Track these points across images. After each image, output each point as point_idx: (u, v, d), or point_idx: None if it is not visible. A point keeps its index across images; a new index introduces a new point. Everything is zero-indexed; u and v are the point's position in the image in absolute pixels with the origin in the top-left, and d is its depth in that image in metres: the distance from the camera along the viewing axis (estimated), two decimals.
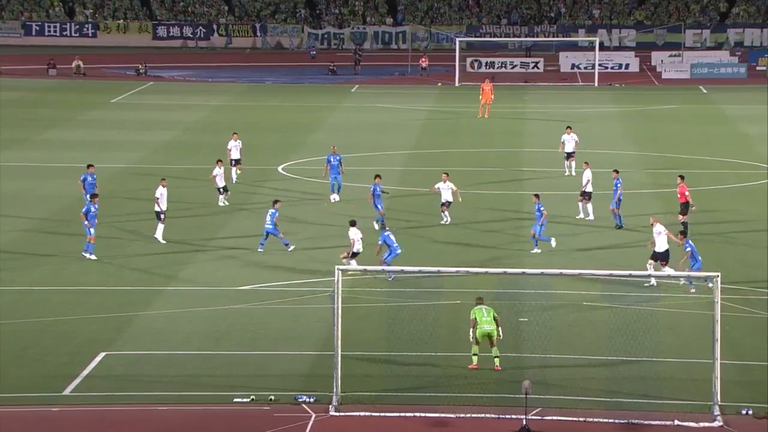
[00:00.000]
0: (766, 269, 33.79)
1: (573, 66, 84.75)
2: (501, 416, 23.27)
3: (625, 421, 23.12)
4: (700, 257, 30.75)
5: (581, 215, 39.78)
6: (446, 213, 38.89)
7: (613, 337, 28.18)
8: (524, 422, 22.78)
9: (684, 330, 28.26)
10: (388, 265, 31.18)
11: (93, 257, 34.10)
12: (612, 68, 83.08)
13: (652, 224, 32.21)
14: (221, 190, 41.27)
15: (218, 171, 41.33)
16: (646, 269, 31.11)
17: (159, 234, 36.13)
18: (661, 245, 31.55)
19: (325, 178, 43.55)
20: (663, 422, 22.94)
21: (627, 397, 24.30)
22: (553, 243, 35.27)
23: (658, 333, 28.24)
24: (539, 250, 34.86)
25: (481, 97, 64.41)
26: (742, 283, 31.67)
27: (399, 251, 32.20)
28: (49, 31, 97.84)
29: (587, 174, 40.02)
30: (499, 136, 58.22)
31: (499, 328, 25.90)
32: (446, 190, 38.85)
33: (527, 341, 27.99)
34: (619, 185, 38.90)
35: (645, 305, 30.00)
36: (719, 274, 23.99)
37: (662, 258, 31.37)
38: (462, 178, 47.34)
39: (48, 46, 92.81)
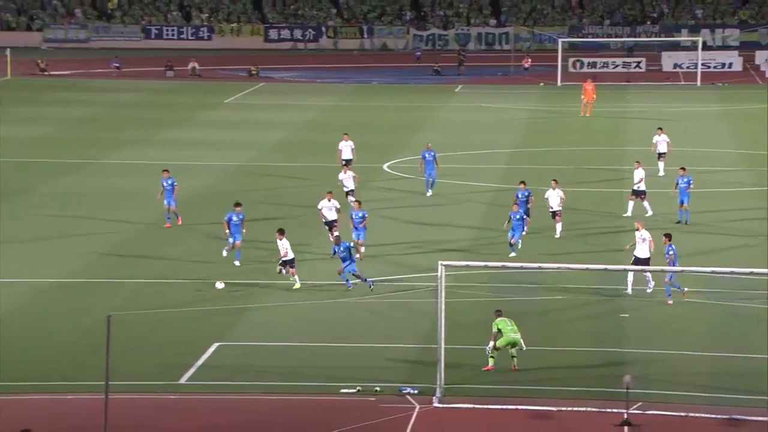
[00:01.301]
0: None
1: (675, 65, 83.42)
2: (602, 410, 23.02)
3: (727, 416, 22.69)
4: (677, 263, 29.38)
5: (628, 213, 39.00)
6: (559, 225, 36.60)
7: (714, 333, 27.71)
8: (625, 416, 22.50)
9: None
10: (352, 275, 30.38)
11: (237, 263, 33.05)
12: (715, 67, 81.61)
13: (637, 229, 30.89)
14: (350, 193, 39.41)
15: (343, 175, 40.25)
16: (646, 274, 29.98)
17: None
18: (643, 251, 30.34)
19: (420, 174, 43.61)
20: (766, 418, 22.44)
21: (729, 393, 23.84)
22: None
23: (761, 329, 27.66)
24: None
25: (583, 96, 63.78)
26: None
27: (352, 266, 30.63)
28: (167, 35, 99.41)
29: (640, 173, 39.34)
30: (600, 135, 57.58)
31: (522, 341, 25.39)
32: (554, 197, 36.88)
33: (628, 337, 27.66)
34: (690, 182, 38.43)
35: (746, 302, 29.41)
36: None
37: (644, 264, 29.86)
38: (563, 176, 46.95)
39: (166, 49, 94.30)
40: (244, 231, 33.56)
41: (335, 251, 32.09)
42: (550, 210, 36.98)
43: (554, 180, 37.90)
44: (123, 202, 42.09)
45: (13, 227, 38.45)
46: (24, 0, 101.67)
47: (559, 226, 36.75)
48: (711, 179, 44.41)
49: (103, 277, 32.44)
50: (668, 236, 30.24)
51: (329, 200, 35.37)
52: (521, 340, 25.28)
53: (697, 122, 61.22)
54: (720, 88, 74.61)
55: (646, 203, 39.25)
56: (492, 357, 25.20)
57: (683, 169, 39.55)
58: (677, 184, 39.02)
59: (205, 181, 46.50)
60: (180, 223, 38.28)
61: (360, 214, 34.10)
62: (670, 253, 29.72)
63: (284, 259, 31.07)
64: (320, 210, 35.46)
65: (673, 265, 29.37)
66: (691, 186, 38.87)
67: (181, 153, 52.69)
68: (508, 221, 34.44)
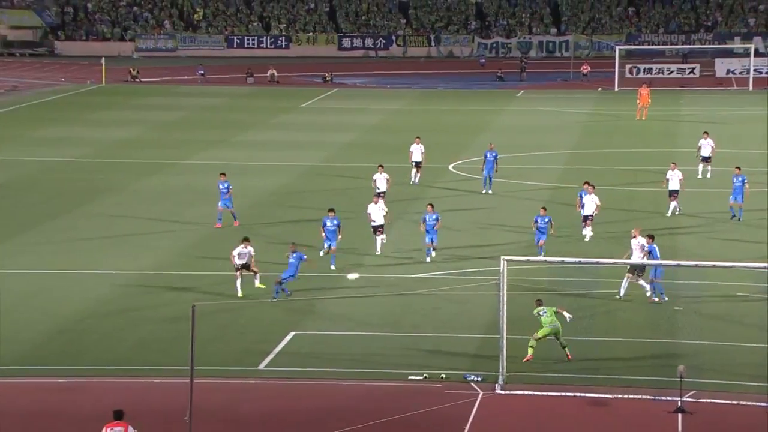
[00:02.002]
0: None
1: (728, 71, 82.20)
2: (657, 398, 22.75)
3: None
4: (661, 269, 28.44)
5: (670, 213, 38.34)
6: (588, 228, 35.45)
7: (765, 326, 27.25)
8: (679, 403, 22.21)
9: None
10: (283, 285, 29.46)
11: (333, 267, 32.02)
12: (766, 73, 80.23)
13: (634, 236, 29.69)
14: (381, 194, 37.90)
15: (378, 175, 39.33)
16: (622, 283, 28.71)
17: (378, 245, 34.05)
18: (637, 258, 28.96)
19: (482, 172, 43.52)
20: None
21: None
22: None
23: None
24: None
25: (638, 100, 63.14)
26: None
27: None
28: (248, 44, 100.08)
29: (677, 174, 38.54)
30: (655, 138, 56.93)
31: (564, 313, 24.93)
32: (590, 203, 35.23)
33: (682, 328, 27.31)
34: (744, 181, 37.83)
35: None
36: None
37: (639, 270, 28.64)
38: (617, 178, 46.51)
39: (247, 57, 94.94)
40: (340, 237, 32.54)
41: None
42: (582, 214, 35.23)
43: (590, 184, 36.01)
44: (205, 200, 42.40)
45: (103, 223, 38.94)
46: (118, 13, 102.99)
47: (588, 230, 35.15)
48: (763, 179, 43.65)
49: (187, 270, 32.71)
50: (651, 237, 29.38)
51: (375, 203, 34.56)
52: (564, 314, 24.84)
53: (749, 125, 60.26)
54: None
55: (674, 203, 38.64)
56: (532, 347, 24.87)
57: (738, 168, 38.97)
58: (733, 182, 38.40)
59: (280, 180, 46.74)
60: (237, 224, 37.51)
61: (434, 217, 33.23)
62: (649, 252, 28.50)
63: (241, 263, 29.79)
64: (369, 214, 34.23)
65: (655, 266, 28.31)
66: (746, 185, 38.27)
67: (259, 154, 53.01)
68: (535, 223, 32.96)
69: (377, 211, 34.15)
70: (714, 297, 29.48)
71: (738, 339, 26.35)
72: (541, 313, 25.08)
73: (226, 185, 38.32)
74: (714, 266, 28.21)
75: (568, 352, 24.97)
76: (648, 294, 29.10)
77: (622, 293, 29.07)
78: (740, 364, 24.77)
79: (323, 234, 32.83)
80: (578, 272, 30.45)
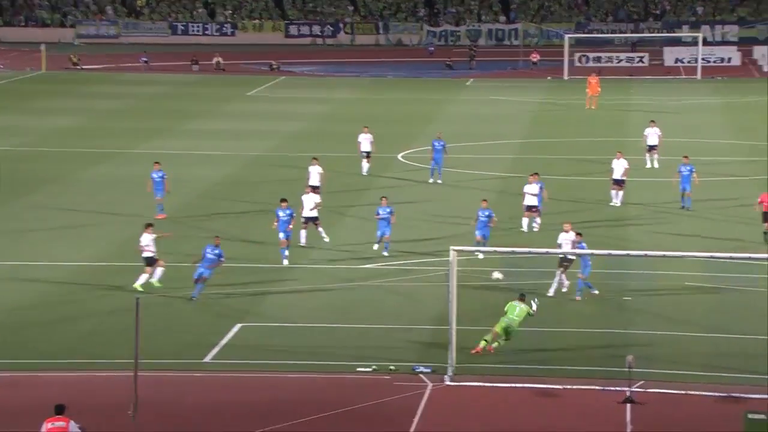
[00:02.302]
0: None
1: (677, 60, 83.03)
2: (605, 388, 22.99)
3: (725, 394, 22.64)
4: (590, 260, 28.41)
5: (613, 202, 38.63)
6: (533, 219, 35.01)
7: (713, 316, 27.64)
8: (628, 393, 22.47)
9: None
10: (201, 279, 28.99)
11: (285, 262, 31.65)
12: (714, 62, 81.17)
13: (566, 230, 29.20)
14: (315, 188, 36.86)
15: (312, 168, 38.72)
16: (556, 275, 28.49)
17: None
18: (566, 249, 28.58)
19: (430, 162, 43.70)
20: (763, 396, 22.38)
21: (727, 372, 23.78)
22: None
23: (758, 312, 27.57)
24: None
25: (588, 89, 63.62)
26: None
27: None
28: (193, 31, 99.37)
29: (622, 163, 38.86)
30: (604, 127, 57.41)
31: (533, 307, 24.98)
32: (532, 195, 35.17)
33: (632, 319, 27.61)
34: (692, 170, 38.28)
35: (744, 286, 29.29)
36: None
37: (568, 263, 28.58)
38: (567, 167, 46.85)
39: (191, 45, 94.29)
40: (290, 227, 31.98)
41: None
42: (525, 204, 35.16)
43: (535, 174, 36.28)
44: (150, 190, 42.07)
45: (45, 214, 38.55)
46: None
47: (525, 221, 35.00)
48: (711, 169, 44.21)
49: (132, 261, 32.50)
50: (579, 234, 29.15)
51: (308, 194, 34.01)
52: (532, 307, 24.89)
53: (698, 114, 60.96)
54: (719, 82, 74.24)
55: (621, 193, 38.95)
56: (485, 341, 24.88)
57: (686, 157, 39.43)
58: (680, 171, 38.92)
59: (226, 170, 46.53)
60: (163, 217, 36.77)
61: (387, 210, 33.05)
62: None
63: (147, 255, 29.35)
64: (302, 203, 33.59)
65: (585, 263, 28.19)
66: (694, 174, 38.76)
67: (204, 143, 52.72)
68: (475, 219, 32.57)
69: (309, 203, 33.70)
70: (663, 287, 29.81)
71: (687, 329, 26.68)
72: (509, 309, 24.91)
73: (160, 174, 37.88)
74: (664, 256, 28.53)
75: (495, 345, 24.78)
76: (564, 290, 28.69)
77: (551, 292, 28.78)
78: (689, 353, 25.10)
79: (276, 225, 32.50)
80: (528, 263, 30.65)
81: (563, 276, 28.98)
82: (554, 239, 29.98)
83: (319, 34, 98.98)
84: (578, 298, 28.52)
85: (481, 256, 31.59)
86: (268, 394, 23.14)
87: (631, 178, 40.80)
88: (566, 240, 29.30)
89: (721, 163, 46.84)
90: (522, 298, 25.42)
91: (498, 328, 25.00)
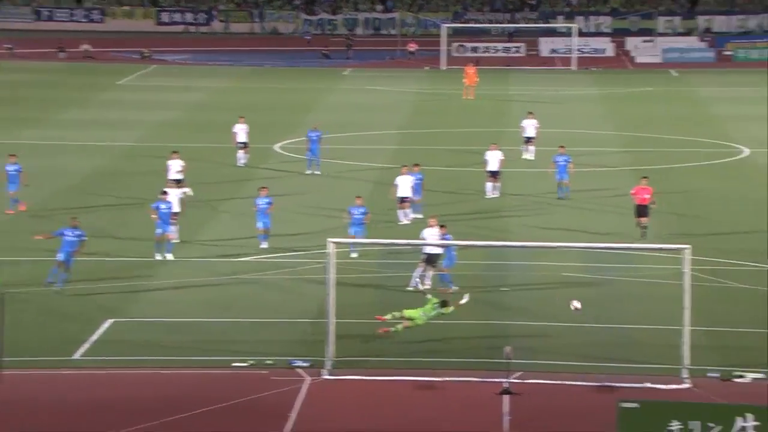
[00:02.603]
0: (734, 242, 33.86)
1: (552, 51, 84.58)
2: (484, 379, 23.33)
3: (600, 383, 23.18)
4: (455, 252, 28.62)
5: (489, 194, 39.12)
6: (406, 212, 35.16)
7: (590, 306, 28.24)
8: (506, 385, 22.83)
9: (656, 299, 28.32)
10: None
11: (170, 256, 31.15)
12: (589, 53, 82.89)
13: (430, 225, 28.95)
14: (179, 182, 36.04)
15: (171, 162, 37.85)
16: (418, 274, 28.53)
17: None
18: (433, 248, 28.48)
19: (306, 153, 43.70)
20: (636, 384, 23.01)
21: (603, 361, 24.35)
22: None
23: (633, 302, 28.31)
24: None
25: (465, 79, 64.34)
26: (711, 255, 31.70)
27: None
28: (59, 17, 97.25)
29: (497, 154, 39.36)
30: (482, 117, 58.15)
31: (421, 313, 25.30)
32: (404, 186, 35.23)
33: (509, 310, 28.04)
34: (569, 161, 38.95)
35: (620, 276, 30.02)
36: (690, 246, 24.04)
37: (433, 260, 28.59)
38: (446, 158, 47.33)
39: (57, 31, 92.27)
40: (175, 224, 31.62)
41: None
42: (399, 196, 35.17)
43: (416, 165, 36.43)
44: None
45: None
46: None
47: (401, 214, 35.07)
48: (588, 160, 45.15)
49: None
50: (443, 227, 29.04)
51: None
52: (420, 314, 25.20)
53: (574, 105, 62.18)
54: (594, 73, 75.85)
55: (496, 184, 39.51)
56: (393, 323, 25.04)
57: (562, 147, 40.19)
58: (556, 162, 39.65)
59: (96, 161, 45.76)
60: (23, 209, 36.14)
61: (266, 201, 32.73)
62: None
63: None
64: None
65: (450, 255, 28.23)
66: (570, 164, 39.53)
67: (73, 133, 51.73)
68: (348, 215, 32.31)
69: (175, 198, 32.80)
70: (541, 278, 30.34)
71: (563, 319, 27.22)
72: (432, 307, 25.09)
73: (16, 167, 36.81)
74: (540, 247, 29.02)
75: (393, 329, 25.03)
76: (420, 286, 28.48)
77: (413, 284, 28.63)
78: (566, 344, 25.61)
79: (156, 217, 31.86)
80: (408, 255, 30.83)
81: (423, 271, 28.66)
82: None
83: (192, 21, 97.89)
84: (454, 288, 28.63)
85: (355, 255, 31.58)
86: (141, 391, 22.85)
87: (507, 169, 41.42)
88: (431, 236, 28.77)
89: (597, 153, 47.87)
90: (444, 304, 25.39)
91: (407, 314, 25.10)
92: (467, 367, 24.13)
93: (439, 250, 28.73)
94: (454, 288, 28.49)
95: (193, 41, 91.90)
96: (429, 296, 25.70)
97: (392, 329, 25.40)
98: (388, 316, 25.33)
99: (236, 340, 25.75)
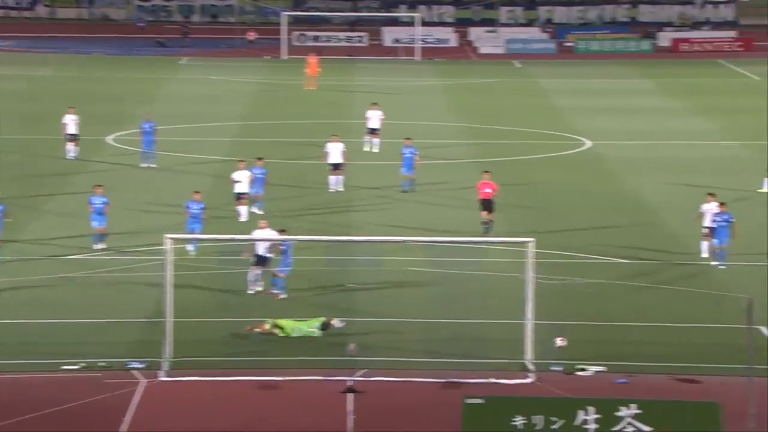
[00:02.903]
0: (576, 235, 34.81)
1: (396, 40, 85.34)
2: (327, 378, 23.45)
3: (445, 380, 23.59)
4: (291, 259, 28.55)
5: (332, 188, 39.31)
6: (246, 208, 35.16)
7: (435, 301, 28.68)
8: (350, 383, 23.01)
9: (501, 293, 28.92)
10: None
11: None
12: (432, 43, 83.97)
13: (261, 227, 28.73)
14: None
15: None
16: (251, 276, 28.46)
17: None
18: (261, 248, 28.47)
19: (140, 145, 43.16)
20: (480, 380, 23.48)
21: (448, 357, 24.78)
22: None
23: (478, 296, 28.85)
24: None
25: (307, 69, 64.39)
26: (554, 248, 32.54)
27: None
28: None
29: (339, 146, 39.49)
30: (325, 109, 58.31)
31: (294, 327, 25.64)
32: (243, 182, 35.17)
33: (355, 306, 28.24)
34: (414, 153, 39.39)
35: (465, 270, 30.53)
36: (533, 239, 24.65)
37: (263, 261, 28.50)
38: (290, 150, 47.32)
39: None
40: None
41: None
42: (237, 192, 35.08)
43: (258, 159, 36.53)
44: None
45: None
46: None
47: (242, 210, 34.94)
48: (433, 152, 45.74)
49: None
50: (282, 231, 28.91)
51: None
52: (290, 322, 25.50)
53: (419, 96, 62.90)
54: (438, 63, 76.86)
55: (339, 177, 39.71)
56: (270, 326, 25.31)
57: (408, 139, 40.63)
58: (402, 154, 40.05)
59: None
60: None
61: (102, 200, 32.17)
62: (283, 248, 28.22)
63: None
64: None
65: (286, 261, 28.13)
66: (417, 156, 39.98)
67: None
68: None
69: None
70: (386, 273, 30.62)
71: (409, 315, 27.58)
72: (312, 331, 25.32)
73: None
74: (384, 241, 29.32)
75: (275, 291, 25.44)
76: (251, 290, 28.39)
77: (251, 289, 28.47)
78: (412, 340, 25.95)
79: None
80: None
81: (258, 274, 28.54)
82: (278, 227, 30.09)
83: (14, 6, 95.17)
84: (282, 295, 28.46)
85: (192, 251, 31.29)
86: None
87: (352, 162, 41.65)
88: (263, 235, 28.45)
89: (442, 145, 48.58)
90: (324, 328, 25.61)
91: (280, 323, 25.32)
92: (310, 365, 24.23)
93: (269, 253, 28.45)
94: (283, 296, 28.36)
95: (16, 27, 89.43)
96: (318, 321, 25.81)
97: (257, 330, 25.44)
98: (267, 326, 25.47)
99: (66, 342, 25.26)
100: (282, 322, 25.70)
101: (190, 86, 65.10)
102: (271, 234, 28.68)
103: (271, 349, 25.11)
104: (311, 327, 25.78)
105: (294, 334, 25.60)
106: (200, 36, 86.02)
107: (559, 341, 24.63)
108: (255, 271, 28.61)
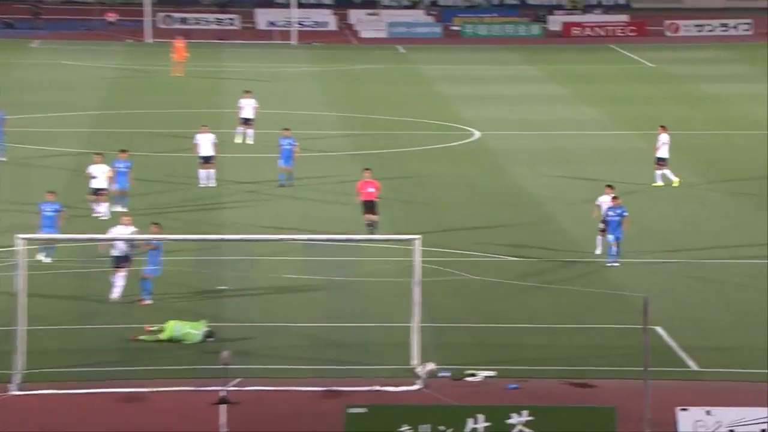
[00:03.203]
0: (464, 232, 35.15)
1: (270, 23, 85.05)
2: (199, 388, 23.27)
3: (326, 388, 23.60)
4: (161, 258, 28.49)
5: (203, 183, 39.16)
6: (104, 205, 35.01)
7: (315, 304, 28.68)
8: (222, 393, 22.89)
9: (385, 294, 29.04)
10: None
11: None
12: (310, 26, 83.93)
13: (124, 224, 28.71)
14: None
15: None
16: None
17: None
18: (118, 249, 28.19)
19: None
20: (364, 388, 23.54)
21: (329, 364, 24.80)
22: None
23: (361, 298, 28.92)
24: None
25: (173, 54, 63.81)
26: (441, 245, 32.81)
27: None
28: None
29: (209, 137, 39.33)
30: (195, 96, 57.86)
31: (177, 327, 25.64)
32: (100, 177, 35.05)
33: (228, 310, 28.08)
34: (293, 144, 39.39)
35: (346, 270, 30.60)
36: (419, 237, 24.79)
37: (122, 263, 28.27)
38: (156, 142, 46.83)
39: None
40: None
41: None
42: (93, 188, 34.93)
43: (121, 151, 36.53)
44: None
45: None
46: None
47: (98, 206, 34.87)
48: (311, 144, 45.73)
49: None
50: (157, 224, 28.93)
51: None
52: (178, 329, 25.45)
53: (296, 83, 62.82)
54: (316, 48, 76.84)
55: (210, 171, 39.54)
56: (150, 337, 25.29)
57: (287, 129, 40.53)
58: (281, 146, 39.90)
59: None
60: None
61: None
62: (153, 243, 28.03)
63: None
64: None
65: (155, 260, 28.02)
66: (296, 147, 39.89)
67: None
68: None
69: None
70: (262, 273, 30.50)
71: (285, 319, 27.51)
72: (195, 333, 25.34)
73: None
74: (261, 240, 29.20)
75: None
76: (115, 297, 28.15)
77: (115, 295, 28.15)
78: (290, 347, 25.88)
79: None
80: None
81: (120, 277, 28.22)
82: (142, 226, 29.76)
83: None
84: (147, 301, 28.22)
85: (47, 260, 30.69)
86: None
87: (224, 154, 41.42)
88: (122, 235, 28.18)
89: (321, 137, 48.60)
90: (209, 336, 25.62)
91: (166, 324, 25.41)
92: (180, 375, 24.01)
93: (123, 253, 28.09)
94: (148, 301, 28.11)
95: None
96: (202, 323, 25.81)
97: (142, 337, 25.39)
98: (154, 328, 25.40)
99: None
100: (168, 324, 25.54)
101: (43, 72, 64.01)
102: (134, 232, 28.33)
103: (138, 359, 24.81)
104: (195, 329, 25.55)
105: (174, 334, 25.38)
106: (54, 17, 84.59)
107: (426, 367, 24.12)
108: (119, 274, 28.22)
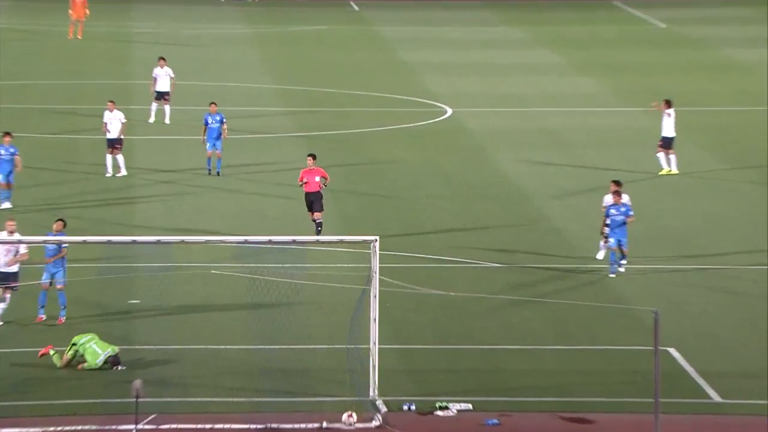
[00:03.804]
0: (433, 232, 35.29)
1: None
2: (105, 427, 23.30)
3: (263, 425, 23.69)
4: (65, 265, 28.72)
5: (109, 172, 39.48)
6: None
7: (248, 320, 28.72)
8: (134, 431, 22.95)
9: (335, 309, 29.10)
10: None
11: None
12: None
13: (7, 230, 28.33)
14: None
15: None
16: None
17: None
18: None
19: None
20: (309, 425, 23.64)
21: (267, 396, 24.86)
22: None
23: (304, 313, 28.97)
24: None
25: (71, 12, 63.64)
26: (404, 248, 32.96)
27: None
28: None
29: (117, 115, 39.49)
30: (98, 63, 57.73)
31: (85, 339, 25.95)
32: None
33: (141, 329, 28.10)
34: (222, 121, 39.58)
35: (288, 275, 30.65)
36: (377, 238, 24.88)
37: (9, 278, 28.35)
38: (48, 121, 46.74)
39: None
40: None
41: None
42: None
43: (4, 134, 36.73)
44: None
45: None
46: None
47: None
48: (244, 123, 45.77)
49: None
50: (62, 220, 29.06)
51: None
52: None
53: (221, 48, 62.79)
54: (247, 5, 76.77)
55: (119, 157, 39.51)
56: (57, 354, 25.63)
57: (213, 104, 40.49)
58: (206, 123, 39.80)
59: None
60: None
61: None
62: (63, 248, 28.37)
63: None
64: None
65: (61, 261, 28.32)
66: (224, 126, 39.87)
67: None
68: None
69: None
70: (185, 280, 30.55)
71: (213, 339, 27.55)
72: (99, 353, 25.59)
73: None
74: (182, 242, 29.21)
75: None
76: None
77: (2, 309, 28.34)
78: (216, 374, 25.90)
79: None
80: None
81: (6, 295, 28.21)
82: (34, 226, 29.71)
83: None
84: (62, 318, 28.39)
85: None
86: None
87: (134, 136, 41.41)
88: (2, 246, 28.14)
89: (255, 114, 48.64)
90: (114, 363, 25.81)
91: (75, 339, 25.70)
92: (87, 409, 23.98)
93: (14, 268, 28.11)
94: (63, 317, 28.27)
95: None
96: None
97: (51, 352, 25.68)
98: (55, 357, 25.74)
99: None
100: (76, 338, 25.82)
101: None
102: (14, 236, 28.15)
103: (29, 390, 24.78)
104: (100, 349, 25.59)
105: (81, 351, 25.52)
106: None
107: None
108: (5, 295, 28.09)
